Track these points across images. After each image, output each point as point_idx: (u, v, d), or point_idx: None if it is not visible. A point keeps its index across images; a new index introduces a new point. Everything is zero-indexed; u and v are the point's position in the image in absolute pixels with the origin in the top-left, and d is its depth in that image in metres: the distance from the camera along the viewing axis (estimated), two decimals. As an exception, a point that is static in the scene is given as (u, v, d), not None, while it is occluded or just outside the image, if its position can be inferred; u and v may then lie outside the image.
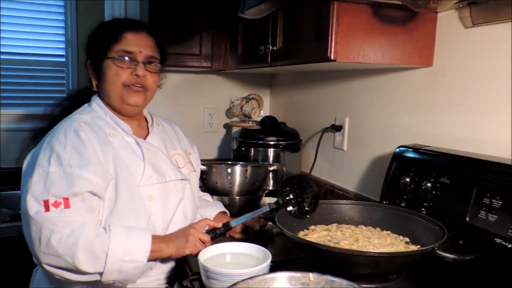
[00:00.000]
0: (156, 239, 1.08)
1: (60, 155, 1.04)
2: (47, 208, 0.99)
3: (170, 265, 1.19)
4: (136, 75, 1.14)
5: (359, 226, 1.13)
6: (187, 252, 1.08)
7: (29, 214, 0.99)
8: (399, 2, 1.02)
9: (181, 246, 1.08)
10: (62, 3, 3.03)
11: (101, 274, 1.01)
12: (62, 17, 3.04)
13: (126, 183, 1.10)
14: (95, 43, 1.19)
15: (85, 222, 1.00)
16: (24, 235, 1.05)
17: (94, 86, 1.22)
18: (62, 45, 3.04)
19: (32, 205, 0.99)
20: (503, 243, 0.89)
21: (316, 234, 1.05)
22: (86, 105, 1.22)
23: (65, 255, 0.97)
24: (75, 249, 0.97)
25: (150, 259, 1.06)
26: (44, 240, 0.98)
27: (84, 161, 1.04)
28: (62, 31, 3.04)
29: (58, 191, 1.00)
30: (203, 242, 1.10)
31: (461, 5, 1.15)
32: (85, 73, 1.24)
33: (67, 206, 1.00)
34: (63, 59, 3.04)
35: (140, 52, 1.15)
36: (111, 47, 1.15)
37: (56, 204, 0.99)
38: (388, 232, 1.08)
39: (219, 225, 1.16)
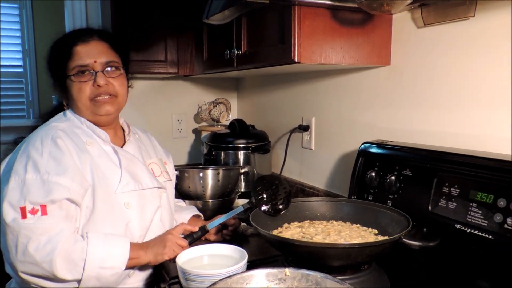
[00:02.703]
0: (134, 246, 1.07)
1: (37, 162, 1.02)
2: (24, 215, 0.97)
3: (148, 271, 1.18)
4: (98, 85, 1.13)
5: (330, 221, 1.16)
6: (166, 258, 1.08)
7: (5, 221, 0.97)
8: (356, 5, 1.06)
9: (159, 252, 1.08)
10: (17, 12, 2.92)
11: (79, 281, 0.99)
12: (18, 26, 2.93)
13: (104, 190, 1.09)
14: (53, 64, 1.18)
15: (63, 229, 0.99)
16: None
17: (65, 105, 1.20)
18: (19, 55, 2.94)
19: (9, 212, 0.97)
20: (463, 228, 0.96)
21: (290, 231, 1.08)
22: (61, 114, 1.20)
23: (42, 262, 0.96)
24: (52, 256, 0.95)
25: (129, 267, 1.06)
26: (21, 248, 0.96)
27: (61, 168, 1.03)
28: (18, 41, 2.93)
29: (35, 198, 0.98)
30: (181, 247, 1.10)
31: (412, 7, 1.22)
32: (45, 84, 1.22)
33: (44, 213, 0.98)
34: (21, 70, 2.93)
35: (95, 61, 1.13)
36: (67, 65, 1.13)
37: (33, 211, 0.97)
38: (358, 225, 1.12)
39: (196, 229, 1.17)
